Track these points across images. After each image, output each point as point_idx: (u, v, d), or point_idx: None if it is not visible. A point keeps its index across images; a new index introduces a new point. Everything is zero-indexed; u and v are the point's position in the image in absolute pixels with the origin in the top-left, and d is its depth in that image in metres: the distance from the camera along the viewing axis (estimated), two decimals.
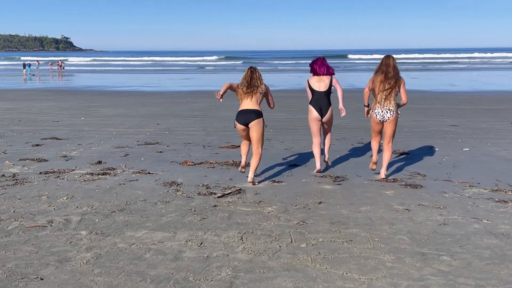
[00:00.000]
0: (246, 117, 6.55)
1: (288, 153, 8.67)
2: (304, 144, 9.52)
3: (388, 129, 6.83)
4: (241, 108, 6.65)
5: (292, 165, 7.67)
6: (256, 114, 6.52)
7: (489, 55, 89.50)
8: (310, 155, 8.47)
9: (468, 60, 75.90)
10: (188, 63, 76.75)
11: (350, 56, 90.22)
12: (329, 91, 7.11)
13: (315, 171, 7.15)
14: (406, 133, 10.84)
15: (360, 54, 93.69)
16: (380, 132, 7.04)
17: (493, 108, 16.01)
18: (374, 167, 7.15)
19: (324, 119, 7.14)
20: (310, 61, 7.39)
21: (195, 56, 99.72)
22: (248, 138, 6.77)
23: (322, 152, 7.44)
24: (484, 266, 3.92)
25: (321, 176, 6.91)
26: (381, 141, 7.25)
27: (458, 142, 9.72)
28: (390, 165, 7.64)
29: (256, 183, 6.54)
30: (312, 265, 3.94)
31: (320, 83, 7.12)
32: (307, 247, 4.30)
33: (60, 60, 58.47)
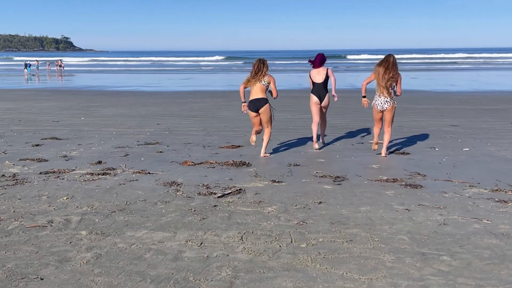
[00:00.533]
0: (256, 105, 8.01)
1: (288, 153, 8.67)
2: (304, 144, 9.52)
3: (387, 117, 8.15)
4: (251, 98, 8.04)
5: (292, 165, 7.67)
6: (264, 101, 7.99)
7: (489, 55, 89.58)
8: (310, 155, 8.49)
9: (468, 60, 75.93)
10: (189, 63, 76.51)
11: (350, 56, 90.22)
12: (325, 82, 8.85)
13: (313, 147, 8.99)
14: (406, 133, 10.84)
15: (360, 54, 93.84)
16: (381, 119, 8.28)
17: (493, 108, 16.01)
18: (376, 147, 8.39)
19: (322, 104, 8.90)
20: (312, 58, 9.16)
21: (195, 56, 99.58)
22: (258, 122, 8.23)
23: (318, 138, 9.27)
24: (484, 266, 3.92)
25: (321, 176, 6.92)
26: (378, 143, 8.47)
27: (458, 142, 9.72)
28: (390, 165, 7.67)
29: (268, 155, 8.37)
30: (312, 265, 3.94)
31: (318, 76, 8.87)
32: (307, 247, 4.30)
33: (59, 60, 57.93)
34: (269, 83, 8.02)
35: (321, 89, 8.80)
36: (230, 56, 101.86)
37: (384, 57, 8.06)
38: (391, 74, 7.84)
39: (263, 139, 8.31)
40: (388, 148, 8.78)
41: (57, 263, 3.99)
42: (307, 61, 9.18)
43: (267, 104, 7.98)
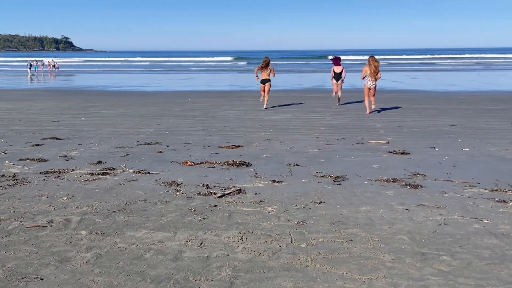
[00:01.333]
0: (265, 81, 15.96)
1: (288, 153, 8.67)
2: (304, 144, 9.52)
3: (372, 91, 14.48)
4: (262, 78, 15.95)
5: (292, 165, 7.67)
6: (269, 80, 15.99)
7: (490, 55, 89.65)
8: (310, 155, 8.49)
9: (468, 60, 75.95)
10: (194, 63, 75.90)
11: (354, 57, 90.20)
12: (341, 73, 16.95)
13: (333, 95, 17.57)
14: (406, 133, 10.84)
15: (362, 55, 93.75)
16: (369, 94, 14.52)
17: (493, 108, 16.01)
18: (368, 112, 14.37)
19: (337, 83, 16.96)
20: (333, 57, 17.93)
21: (202, 57, 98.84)
22: (263, 89, 16.10)
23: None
24: (484, 266, 3.92)
25: (321, 176, 6.92)
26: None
27: (458, 142, 9.72)
28: (390, 165, 7.68)
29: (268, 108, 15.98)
30: (312, 265, 3.94)
31: (338, 69, 16.98)
32: (307, 247, 4.30)
33: (52, 59, 56.55)
34: (270, 70, 16.02)
35: (338, 76, 16.97)
36: (240, 56, 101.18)
37: (369, 59, 14.53)
38: (375, 69, 14.29)
39: (265, 100, 16.16)
40: (388, 147, 8.97)
41: (57, 263, 3.99)
42: (330, 60, 18.37)
43: (270, 81, 16.09)
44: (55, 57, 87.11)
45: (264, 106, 15.89)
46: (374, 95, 14.47)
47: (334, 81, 16.99)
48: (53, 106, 17.23)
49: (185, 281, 3.68)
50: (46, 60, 54.56)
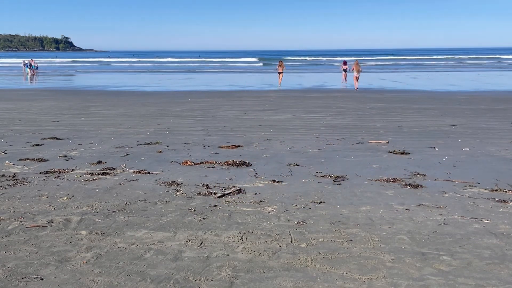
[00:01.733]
0: (280, 72, 29.14)
1: (288, 153, 8.67)
2: (304, 144, 9.52)
3: (356, 78, 26.23)
4: (280, 70, 29.12)
5: (292, 165, 7.67)
6: (282, 72, 29.38)
7: (490, 56, 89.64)
8: (310, 155, 8.49)
9: (469, 61, 75.95)
10: (194, 64, 75.28)
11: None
12: (346, 69, 31.08)
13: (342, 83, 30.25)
14: (406, 133, 10.84)
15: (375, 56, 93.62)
16: (355, 79, 26.25)
17: (493, 108, 16.01)
18: (355, 88, 25.56)
19: (344, 73, 31.36)
20: (344, 60, 36.61)
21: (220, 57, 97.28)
22: (280, 78, 29.04)
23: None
24: (484, 266, 3.92)
25: (321, 176, 6.92)
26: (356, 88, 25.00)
27: (458, 142, 9.72)
28: (390, 165, 7.69)
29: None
30: (312, 265, 3.94)
31: (344, 66, 31.43)
32: (307, 247, 4.30)
33: (31, 59, 55.02)
34: (283, 67, 29.26)
35: (344, 70, 30.91)
36: (264, 57, 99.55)
37: (356, 62, 27.04)
38: (358, 67, 26.25)
39: (280, 82, 28.44)
40: (388, 147, 9.01)
41: (57, 263, 3.99)
42: (342, 62, 33.27)
43: (283, 72, 29.14)
44: (55, 57, 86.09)
45: (279, 86, 27.40)
46: (357, 80, 25.90)
47: (343, 71, 30.38)
48: (53, 106, 17.24)
49: (185, 281, 3.68)
50: (26, 60, 53.59)
